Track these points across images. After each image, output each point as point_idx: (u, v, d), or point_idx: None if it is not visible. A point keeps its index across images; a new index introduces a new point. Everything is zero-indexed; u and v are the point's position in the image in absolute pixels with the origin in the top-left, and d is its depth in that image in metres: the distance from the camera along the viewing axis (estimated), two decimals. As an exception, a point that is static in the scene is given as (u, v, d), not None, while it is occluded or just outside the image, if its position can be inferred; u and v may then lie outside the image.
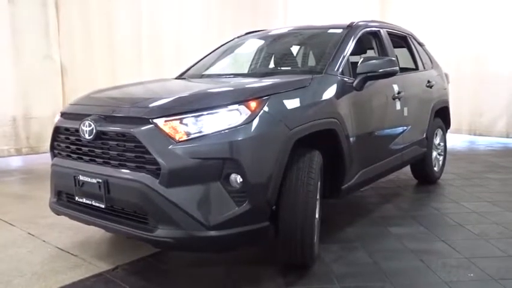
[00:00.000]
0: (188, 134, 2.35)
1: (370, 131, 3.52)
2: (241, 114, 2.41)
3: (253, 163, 2.37)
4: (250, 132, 2.38)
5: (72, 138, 2.76)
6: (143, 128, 2.39)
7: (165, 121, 2.37)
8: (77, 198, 2.74)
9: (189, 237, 2.33)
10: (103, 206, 2.58)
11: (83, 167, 2.68)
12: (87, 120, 2.58)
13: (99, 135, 2.55)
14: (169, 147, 2.32)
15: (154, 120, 2.37)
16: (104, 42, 7.07)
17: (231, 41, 4.60)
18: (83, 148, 2.71)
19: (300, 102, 2.72)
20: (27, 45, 6.35)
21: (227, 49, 4.42)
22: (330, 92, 3.02)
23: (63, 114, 2.93)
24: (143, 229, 2.42)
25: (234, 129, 2.37)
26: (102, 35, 7.07)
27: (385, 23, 4.53)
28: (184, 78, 3.97)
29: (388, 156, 3.89)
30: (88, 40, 6.92)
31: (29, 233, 3.57)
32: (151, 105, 2.50)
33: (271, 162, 2.45)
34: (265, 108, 2.48)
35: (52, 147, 2.97)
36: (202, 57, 4.48)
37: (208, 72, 4.09)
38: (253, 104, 2.46)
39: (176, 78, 4.02)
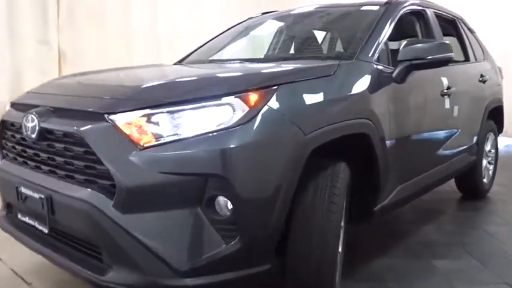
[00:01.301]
0: (158, 137, 1.65)
1: (413, 136, 2.73)
2: (235, 110, 1.69)
3: (249, 182, 1.65)
4: (248, 136, 1.66)
5: (17, 136, 2.09)
6: (94, 126, 1.69)
7: (126, 118, 1.67)
8: (19, 215, 2.08)
9: (153, 286, 1.63)
10: (46, 231, 1.90)
11: (27, 175, 2.01)
12: (31, 113, 1.90)
13: (44, 134, 1.87)
14: (130, 155, 1.61)
15: (111, 117, 1.67)
16: (111, 28, 6.40)
17: (244, 21, 3.86)
18: (27, 150, 2.04)
19: (321, 97, 1.98)
20: (23, 29, 5.74)
21: (241, 31, 3.68)
22: (361, 84, 2.26)
23: (14, 105, 2.26)
24: (93, 268, 1.73)
25: (224, 132, 1.65)
26: (110, 19, 6.40)
27: (430, 2, 3.69)
28: (181, 64, 3.27)
29: (433, 167, 3.09)
30: (92, 25, 6.27)
31: (-14, 248, 2.93)
32: (110, 95, 1.80)
33: (276, 179, 1.71)
34: (271, 103, 1.75)
35: (1, 147, 2.31)
36: (210, 39, 3.75)
37: (216, 57, 3.37)
38: (253, 97, 1.73)
39: (174, 64, 3.33)
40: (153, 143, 1.64)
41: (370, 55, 2.46)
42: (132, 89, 1.84)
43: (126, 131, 1.64)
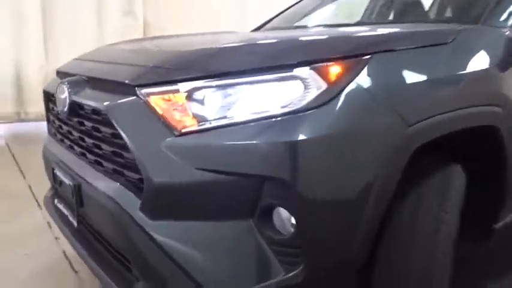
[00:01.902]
0: (202, 120, 1.22)
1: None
2: (308, 88, 1.20)
3: (323, 190, 1.17)
4: (325, 126, 1.17)
5: (56, 109, 1.79)
6: (122, 102, 1.30)
7: (160, 92, 1.26)
8: (56, 201, 1.80)
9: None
10: (75, 224, 1.59)
11: (62, 155, 1.70)
12: (63, 83, 1.57)
13: (75, 109, 1.53)
14: (163, 143, 1.21)
15: (143, 90, 1.27)
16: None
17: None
18: (63, 126, 1.73)
19: (432, 73, 1.40)
20: (110, 0, 5.68)
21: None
22: (489, 58, 1.63)
23: (58, 73, 1.97)
24: (119, 278, 1.37)
25: (291, 118, 1.18)
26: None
27: None
28: (258, 31, 2.80)
29: None
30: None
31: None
32: (147, 63, 1.40)
33: (362, 188, 1.21)
34: (360, 79, 1.23)
35: (47, 119, 2.05)
36: (296, 2, 3.24)
37: (302, 23, 2.86)
38: (334, 70, 1.23)
39: (251, 31, 2.88)
40: (195, 127, 1.21)
41: (503, 19, 1.80)
42: (175, 56, 1.42)
43: (159, 109, 1.23)
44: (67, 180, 1.58)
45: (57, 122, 1.80)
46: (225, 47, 1.40)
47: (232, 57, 1.32)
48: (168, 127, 1.22)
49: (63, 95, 1.55)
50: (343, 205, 1.19)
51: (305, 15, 2.95)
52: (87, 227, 1.55)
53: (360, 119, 1.21)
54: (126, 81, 1.31)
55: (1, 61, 5.43)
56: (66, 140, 1.71)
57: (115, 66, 1.53)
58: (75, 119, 1.55)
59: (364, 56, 1.28)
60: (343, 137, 1.17)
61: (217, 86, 1.24)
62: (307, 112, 1.17)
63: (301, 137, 1.14)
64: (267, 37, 1.50)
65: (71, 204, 1.57)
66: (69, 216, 1.64)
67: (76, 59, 1.94)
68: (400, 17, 2.68)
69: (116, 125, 1.27)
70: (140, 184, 1.24)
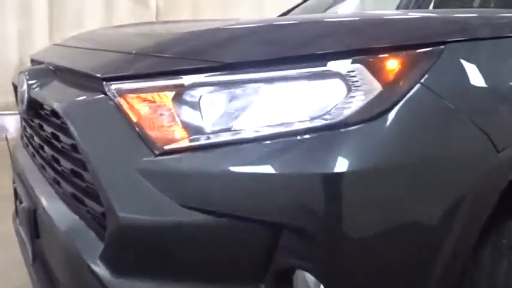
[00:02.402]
0: (196, 132, 0.83)
1: None
2: (353, 90, 0.80)
3: (376, 246, 0.77)
4: (379, 149, 0.78)
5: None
6: (81, 102, 0.92)
7: (137, 90, 0.87)
8: (17, 222, 1.44)
9: None
10: (31, 259, 1.22)
11: (25, 165, 1.34)
12: (23, 74, 1.20)
13: (34, 108, 1.16)
14: (138, 163, 0.82)
15: (113, 86, 0.88)
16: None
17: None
18: (27, 128, 1.36)
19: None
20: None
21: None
22: None
23: (33, 62, 1.59)
24: None
25: (326, 136, 0.78)
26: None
27: None
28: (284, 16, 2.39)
29: None
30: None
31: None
32: (125, 49, 1.01)
33: (427, 239, 0.80)
34: (429, 81, 0.82)
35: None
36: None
37: (339, 8, 2.45)
38: (392, 65, 0.83)
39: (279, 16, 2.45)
40: (184, 143, 0.83)
41: None
42: (164, 40, 1.03)
43: (135, 114, 0.85)
44: (24, 200, 1.21)
45: (23, 122, 1.44)
46: (233, 31, 1.00)
47: (242, 45, 0.91)
48: (145, 141, 0.84)
49: (22, 88, 1.18)
50: (406, 272, 0.79)
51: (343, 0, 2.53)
52: (44, 266, 1.17)
53: (432, 141, 0.80)
54: (91, 73, 0.93)
55: (6, 49, 5.13)
56: (29, 146, 1.34)
57: (90, 53, 1.15)
58: (36, 121, 1.18)
59: (433, 46, 0.87)
60: (408, 168, 0.77)
61: (219, 84, 0.85)
62: (352, 128, 0.77)
63: (343, 167, 0.74)
64: (293, 20, 1.10)
65: (28, 232, 1.20)
66: (27, 245, 1.27)
67: (56, 44, 1.57)
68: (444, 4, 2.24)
69: (73, 133, 0.89)
70: (104, 221, 0.86)
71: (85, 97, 0.92)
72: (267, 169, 0.76)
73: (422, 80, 0.83)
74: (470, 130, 0.84)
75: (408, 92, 0.81)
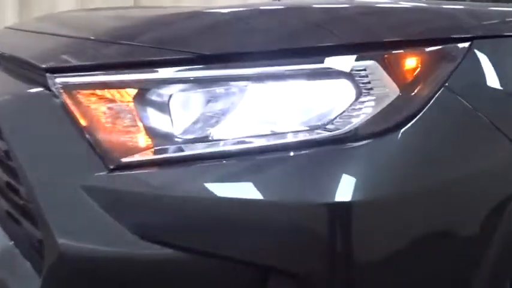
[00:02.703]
0: (163, 139, 0.65)
1: None
2: (364, 93, 0.63)
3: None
4: (402, 171, 0.61)
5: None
6: (16, 98, 0.73)
7: (88, 84, 0.68)
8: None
9: None
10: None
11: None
12: None
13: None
14: (86, 179, 0.63)
15: (58, 79, 0.68)
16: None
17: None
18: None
19: None
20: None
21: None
22: None
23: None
24: None
25: (330, 152, 0.61)
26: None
27: None
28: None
29: None
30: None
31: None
32: (77, 34, 0.83)
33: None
34: (455, 83, 0.66)
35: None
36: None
37: None
38: (412, 63, 0.66)
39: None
40: (147, 155, 0.65)
41: None
42: (127, 27, 0.83)
43: (83, 115, 0.66)
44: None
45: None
46: (213, 16, 0.81)
47: (224, 33, 0.73)
48: (97, 151, 0.65)
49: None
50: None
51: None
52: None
53: (461, 157, 0.64)
54: (32, 61, 0.74)
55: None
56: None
57: (41, 39, 0.95)
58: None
59: (459, 43, 0.71)
60: (436, 193, 0.61)
61: (195, 80, 0.67)
62: (363, 142, 0.61)
63: (351, 194, 0.57)
64: (288, 5, 0.90)
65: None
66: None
67: (8, 27, 1.35)
68: None
69: (5, 136, 0.70)
70: (42, 249, 0.68)
71: (23, 92, 0.72)
72: (252, 194, 0.59)
73: (447, 83, 0.67)
74: (505, 143, 0.68)
75: (432, 98, 0.65)
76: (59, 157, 0.67)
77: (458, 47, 0.71)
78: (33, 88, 0.72)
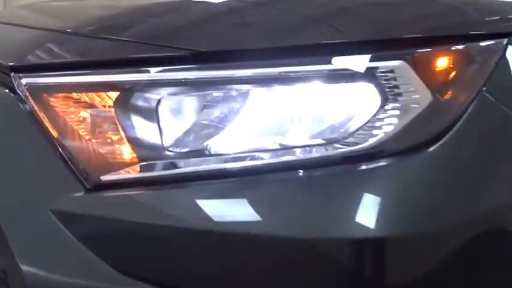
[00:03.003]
0: (149, 153, 0.54)
1: None
2: (389, 98, 0.52)
3: None
4: (425, 201, 0.50)
5: None
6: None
7: (59, 85, 0.57)
8: None
9: None
10: None
11: None
12: None
13: None
14: (58, 202, 0.53)
15: (24, 80, 0.58)
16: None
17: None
18: None
19: None
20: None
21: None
22: None
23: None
24: None
25: (349, 172, 0.51)
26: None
27: None
28: None
29: None
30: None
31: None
32: (53, 26, 0.72)
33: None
34: (491, 86, 0.56)
35: None
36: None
37: None
38: (447, 63, 0.56)
39: None
40: (131, 173, 0.54)
41: None
42: (110, 18, 0.73)
43: (57, 124, 0.55)
44: None
45: None
46: (212, 5, 0.70)
47: (224, 25, 0.63)
48: (71, 167, 0.54)
49: None
50: None
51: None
52: None
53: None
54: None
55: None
56: None
57: (11, 32, 0.83)
58: None
59: (496, 39, 0.61)
60: (480, 223, 0.51)
61: (188, 82, 0.56)
62: (391, 160, 0.51)
63: (381, 227, 0.47)
64: None
65: None
66: None
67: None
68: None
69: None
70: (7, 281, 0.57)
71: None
72: (255, 225, 0.48)
73: (485, 87, 0.56)
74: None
75: (469, 105, 0.55)
76: (26, 174, 0.56)
77: (495, 43, 0.60)
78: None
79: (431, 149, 0.51)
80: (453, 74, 0.56)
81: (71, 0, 1.37)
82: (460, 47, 0.57)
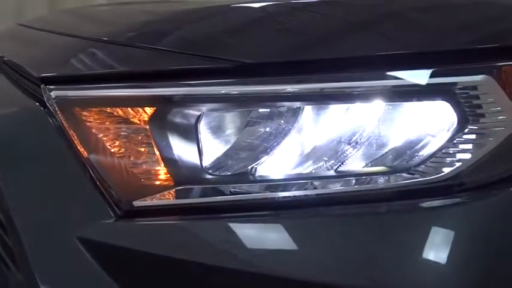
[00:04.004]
0: (187, 175, 0.48)
1: None
2: (470, 120, 0.44)
3: None
4: None
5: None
6: (3, 113, 0.58)
7: (93, 99, 0.51)
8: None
9: None
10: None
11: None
12: None
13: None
14: (84, 229, 0.47)
15: (54, 93, 0.53)
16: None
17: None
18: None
19: None
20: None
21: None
22: None
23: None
24: None
25: (421, 208, 0.43)
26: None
27: None
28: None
29: None
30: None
31: None
32: (86, 34, 0.67)
33: None
34: None
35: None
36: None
37: None
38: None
39: None
40: (167, 198, 0.48)
41: None
42: (144, 26, 0.67)
43: (87, 142, 0.50)
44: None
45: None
46: (256, 11, 0.62)
47: (272, 35, 0.56)
48: (101, 190, 0.49)
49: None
50: None
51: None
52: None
53: None
54: (26, 68, 0.58)
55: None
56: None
57: (46, 40, 0.79)
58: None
59: None
60: None
61: (232, 98, 0.49)
62: (472, 195, 0.42)
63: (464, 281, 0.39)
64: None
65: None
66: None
67: (20, 23, 1.20)
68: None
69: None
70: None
71: (14, 109, 0.57)
72: (303, 270, 0.41)
73: None
74: None
75: None
76: (54, 195, 0.51)
77: None
78: (27, 104, 0.57)
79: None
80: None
81: (116, 5, 1.33)
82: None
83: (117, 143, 0.51)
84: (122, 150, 0.50)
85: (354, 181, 0.45)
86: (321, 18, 0.54)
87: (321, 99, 0.47)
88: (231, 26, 0.56)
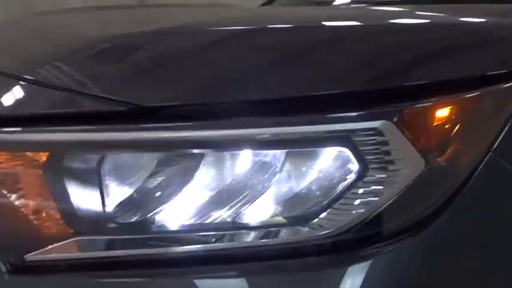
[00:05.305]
0: (88, 224, 0.45)
1: None
2: (370, 167, 0.41)
3: None
4: None
5: None
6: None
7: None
8: None
9: None
10: None
11: None
12: None
13: None
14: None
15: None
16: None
17: None
18: None
19: None
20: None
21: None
22: None
23: None
24: None
25: (315, 267, 0.40)
26: None
27: None
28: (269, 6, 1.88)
29: None
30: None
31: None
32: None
33: None
34: (500, 147, 0.44)
35: None
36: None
37: None
38: (440, 118, 0.44)
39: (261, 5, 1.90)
40: (63, 250, 0.45)
41: None
42: (53, 58, 0.61)
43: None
44: None
45: None
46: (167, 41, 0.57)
47: (178, 74, 0.51)
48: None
49: None
50: None
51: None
52: None
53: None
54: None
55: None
56: None
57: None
58: None
59: (506, 82, 0.49)
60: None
61: (129, 142, 0.46)
62: (374, 249, 0.40)
63: None
64: (285, 17, 0.65)
65: None
66: None
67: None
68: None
69: None
70: None
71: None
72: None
73: (493, 147, 0.45)
74: None
75: (476, 170, 0.43)
76: None
77: (503, 88, 0.48)
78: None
79: (427, 229, 0.41)
80: (453, 131, 0.44)
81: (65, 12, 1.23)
82: (463, 95, 0.45)
83: (8, 189, 0.47)
84: (14, 197, 0.47)
85: (249, 234, 0.42)
86: (223, 59, 0.50)
87: (226, 145, 0.44)
88: (132, 62, 0.52)
